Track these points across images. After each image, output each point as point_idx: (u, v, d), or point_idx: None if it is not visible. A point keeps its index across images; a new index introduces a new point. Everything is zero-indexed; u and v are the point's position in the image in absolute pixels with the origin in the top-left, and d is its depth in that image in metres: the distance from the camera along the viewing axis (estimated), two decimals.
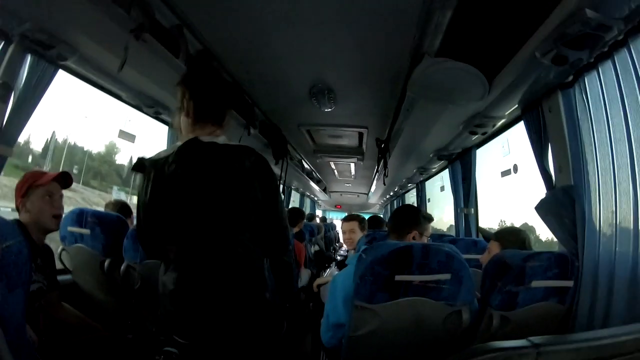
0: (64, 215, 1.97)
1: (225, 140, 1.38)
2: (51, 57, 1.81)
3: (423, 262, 1.46)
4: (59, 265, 2.27)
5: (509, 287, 1.54)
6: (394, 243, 1.53)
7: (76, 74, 2.19)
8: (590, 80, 1.63)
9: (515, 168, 2.69)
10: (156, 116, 2.85)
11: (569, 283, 1.61)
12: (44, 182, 1.72)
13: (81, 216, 2.13)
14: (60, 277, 2.30)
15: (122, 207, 2.64)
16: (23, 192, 1.69)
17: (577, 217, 1.70)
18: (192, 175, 1.28)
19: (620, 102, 1.45)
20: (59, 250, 2.22)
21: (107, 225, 2.12)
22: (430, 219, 3.96)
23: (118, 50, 1.75)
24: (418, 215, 2.00)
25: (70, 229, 2.15)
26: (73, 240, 2.17)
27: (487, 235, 2.27)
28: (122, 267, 2.01)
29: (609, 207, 1.53)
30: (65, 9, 1.59)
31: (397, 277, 1.44)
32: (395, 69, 2.56)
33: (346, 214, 3.85)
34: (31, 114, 1.82)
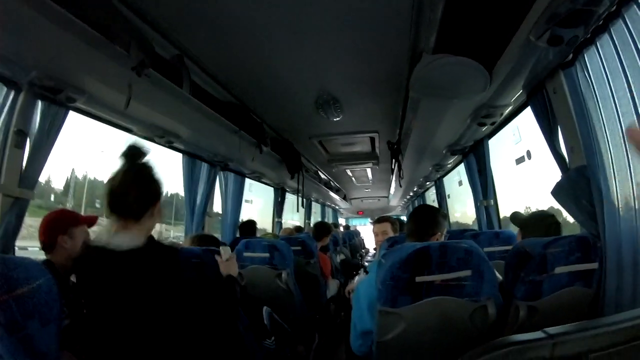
0: None
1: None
2: (60, 100, 1.87)
3: (442, 261, 1.45)
4: None
5: (532, 276, 1.51)
6: (411, 245, 1.52)
7: (86, 113, 2.25)
8: (590, 57, 1.60)
9: (529, 154, 2.65)
10: (169, 145, 2.91)
11: (594, 265, 1.58)
12: (86, 220, 1.81)
13: None
14: None
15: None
16: (63, 230, 1.71)
17: (595, 197, 1.66)
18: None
19: (622, 75, 1.43)
20: None
21: None
22: (445, 216, 3.95)
23: (123, 87, 1.82)
24: (438, 216, 1.98)
25: None
26: None
27: (519, 220, 2.19)
28: None
29: (626, 182, 1.50)
30: (68, 54, 1.65)
31: (418, 279, 1.44)
32: (396, 70, 2.58)
33: (368, 220, 3.84)
34: (47, 156, 1.89)
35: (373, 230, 3.40)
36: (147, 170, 1.32)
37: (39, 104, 1.84)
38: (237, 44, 2.22)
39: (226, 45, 2.23)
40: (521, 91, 2.17)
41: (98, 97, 2.02)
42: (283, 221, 6.03)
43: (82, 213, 1.90)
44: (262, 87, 2.87)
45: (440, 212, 2.04)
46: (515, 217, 2.21)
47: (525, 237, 2.02)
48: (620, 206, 1.54)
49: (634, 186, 1.46)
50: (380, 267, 1.53)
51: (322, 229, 4.58)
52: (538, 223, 2.02)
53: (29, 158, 1.81)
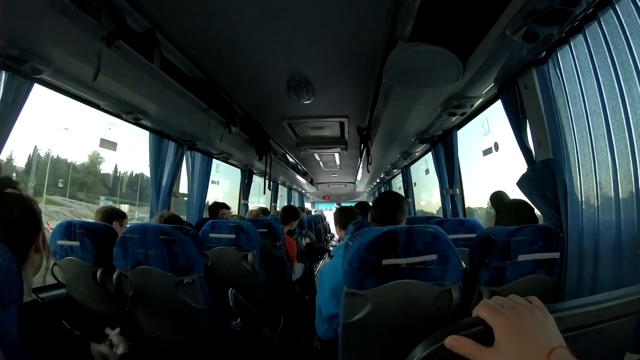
0: (52, 230, 1.94)
1: None
2: (25, 71, 1.79)
3: (408, 245, 1.45)
4: (51, 280, 2.25)
5: (495, 262, 1.55)
6: (379, 229, 1.54)
7: (52, 86, 2.16)
8: (562, 55, 1.66)
9: (497, 146, 2.71)
10: (136, 122, 2.82)
11: (556, 255, 1.63)
12: None
13: (69, 228, 2.09)
14: (54, 292, 2.29)
15: (111, 213, 2.63)
16: None
17: (559, 189, 1.73)
18: None
19: (593, 75, 1.48)
20: (51, 265, 2.19)
21: (96, 235, 2.09)
22: (409, 203, 4.04)
23: (92, 59, 1.73)
24: (404, 203, 2.01)
25: (59, 242, 2.12)
26: (64, 254, 2.14)
27: (498, 202, 2.17)
28: (114, 276, 1.99)
29: (589, 177, 1.56)
30: (35, 22, 1.56)
31: (384, 262, 1.44)
32: (370, 56, 2.57)
33: (335, 205, 3.86)
34: (10, 130, 1.81)
35: (334, 221, 3.45)
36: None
37: (3, 75, 1.76)
38: (210, 20, 2.15)
39: (199, 21, 2.16)
40: (492, 84, 2.20)
41: (65, 69, 1.94)
42: (249, 203, 5.99)
43: (44, 193, 1.82)
44: (234, 65, 2.81)
45: (405, 200, 2.06)
46: (497, 197, 2.21)
47: (498, 222, 2.07)
48: (583, 199, 1.61)
49: (598, 180, 1.52)
50: (348, 249, 1.53)
51: (290, 212, 4.56)
52: (514, 212, 2.07)
53: None
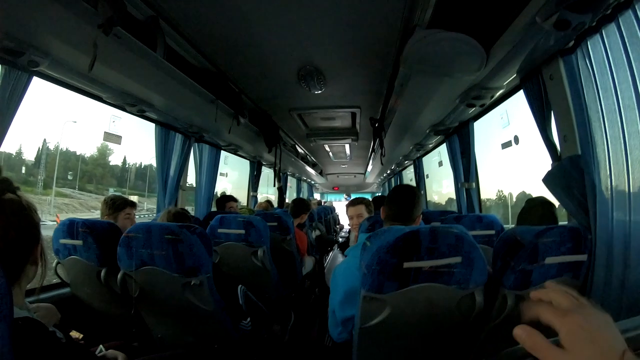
0: (55, 228, 1.89)
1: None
2: (22, 64, 1.74)
3: (432, 247, 1.37)
4: (55, 279, 2.20)
5: (522, 265, 1.46)
6: (399, 228, 1.45)
7: (51, 79, 2.10)
8: (593, 45, 1.55)
9: (517, 139, 2.61)
10: (141, 114, 2.75)
11: (583, 257, 1.55)
12: None
13: (72, 227, 2.04)
14: (58, 291, 2.25)
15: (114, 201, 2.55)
16: None
17: (587, 188, 1.63)
18: None
19: (627, 67, 1.38)
20: (54, 263, 2.16)
21: (99, 233, 2.03)
22: (422, 197, 3.97)
23: (89, 49, 1.65)
24: (419, 198, 1.91)
25: (62, 241, 2.07)
26: (67, 253, 2.09)
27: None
28: (119, 276, 1.93)
29: (621, 176, 1.47)
30: (29, 12, 1.50)
31: (406, 265, 1.36)
32: (385, 44, 2.47)
33: (344, 196, 3.78)
34: (9, 124, 1.77)
35: (347, 214, 3.34)
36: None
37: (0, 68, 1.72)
38: (216, 7, 2.07)
39: (205, 8, 2.08)
40: (514, 75, 2.10)
41: (63, 60, 1.88)
42: (258, 195, 5.94)
43: (54, 185, 1.77)
44: (242, 54, 2.73)
45: (420, 194, 1.97)
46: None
47: (519, 221, 2.01)
48: (613, 199, 1.52)
49: (630, 180, 1.43)
50: (366, 250, 1.46)
51: (301, 205, 4.48)
52: (534, 210, 2.01)
53: None
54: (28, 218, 0.92)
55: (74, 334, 1.76)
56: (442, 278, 1.40)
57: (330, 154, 7.65)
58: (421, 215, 1.91)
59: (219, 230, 2.76)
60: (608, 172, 1.53)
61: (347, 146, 6.71)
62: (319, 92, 3.45)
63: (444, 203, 6.66)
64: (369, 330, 1.47)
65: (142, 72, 2.13)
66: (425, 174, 5.59)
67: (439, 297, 1.42)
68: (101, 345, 1.56)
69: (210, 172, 4.19)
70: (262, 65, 2.94)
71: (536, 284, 1.50)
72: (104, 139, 2.77)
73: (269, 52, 2.69)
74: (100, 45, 1.62)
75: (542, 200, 2.06)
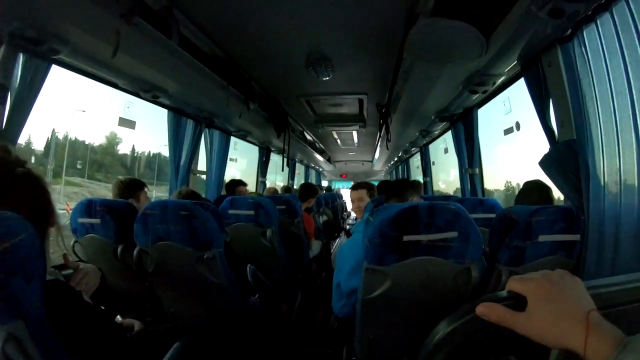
0: (72, 208, 1.98)
1: None
2: (43, 52, 1.78)
3: (430, 222, 1.46)
4: (73, 258, 2.30)
5: (516, 242, 1.54)
6: (400, 204, 1.54)
7: (70, 67, 2.16)
8: (589, 34, 1.60)
9: (518, 125, 2.66)
10: (154, 100, 2.83)
11: (576, 237, 1.61)
12: None
13: (90, 206, 2.14)
14: None
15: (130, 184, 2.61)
16: None
17: (581, 171, 1.69)
18: None
19: (620, 55, 1.43)
20: (72, 243, 2.24)
21: (116, 212, 2.13)
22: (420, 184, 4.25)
23: (109, 37, 1.73)
24: (415, 185, 2.05)
25: (80, 220, 2.16)
26: (84, 231, 2.18)
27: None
28: (135, 252, 2.03)
29: (613, 160, 1.53)
30: (51, 2, 1.55)
31: (405, 238, 1.45)
32: (390, 32, 2.52)
33: (352, 183, 3.85)
34: (29, 112, 1.82)
35: (350, 197, 3.43)
36: None
37: (21, 57, 1.76)
38: None
39: None
40: (515, 62, 2.15)
41: (83, 48, 1.93)
42: (267, 181, 6.02)
43: (64, 175, 1.85)
44: (252, 42, 2.79)
45: (416, 183, 2.13)
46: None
47: (517, 202, 2.08)
48: (605, 182, 1.58)
49: (621, 163, 1.48)
50: (369, 224, 1.54)
51: (309, 190, 4.58)
52: (529, 192, 2.08)
53: (9, 114, 1.74)
54: (44, 187, 1.01)
55: None
56: (439, 252, 1.48)
57: (338, 140, 7.68)
58: (417, 197, 2.04)
59: (230, 212, 2.86)
60: (601, 156, 1.58)
61: (354, 133, 6.74)
62: (327, 78, 3.49)
63: (451, 193, 6.67)
64: (371, 301, 1.55)
65: (158, 59, 2.21)
66: (431, 161, 5.64)
67: (437, 270, 1.49)
68: (118, 315, 1.66)
69: (220, 157, 4.28)
70: (272, 52, 3.00)
71: (530, 261, 1.57)
72: (119, 124, 2.84)
73: (278, 39, 2.75)
74: (121, 33, 1.71)
75: (538, 183, 2.14)
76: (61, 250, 1.17)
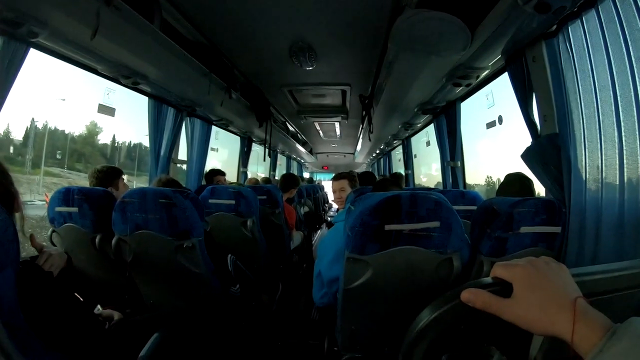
0: (50, 196, 1.92)
1: None
2: (21, 35, 1.73)
3: (411, 211, 1.44)
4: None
5: (497, 233, 1.53)
6: (381, 193, 1.52)
7: (49, 51, 2.10)
8: (574, 30, 1.62)
9: (500, 119, 2.69)
10: (135, 87, 2.76)
11: (557, 229, 1.63)
12: None
13: (67, 194, 2.07)
14: None
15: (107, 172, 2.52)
16: None
17: (563, 164, 1.72)
18: None
19: (604, 51, 1.45)
20: (49, 232, 2.18)
21: (94, 200, 2.07)
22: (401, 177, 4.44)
23: (89, 20, 1.68)
24: (397, 179, 2.05)
25: (58, 209, 2.10)
26: (62, 221, 2.12)
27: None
28: (113, 242, 1.98)
29: (595, 153, 1.55)
30: None
31: (387, 227, 1.43)
32: (375, 22, 2.52)
33: (333, 175, 3.84)
34: (6, 96, 1.77)
35: (332, 188, 3.42)
36: None
37: None
38: None
39: None
40: (499, 56, 2.16)
41: (62, 31, 1.87)
42: (248, 172, 5.98)
43: (43, 165, 1.79)
44: (235, 29, 2.75)
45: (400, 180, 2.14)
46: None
47: (498, 194, 2.09)
48: (587, 176, 1.60)
49: (603, 157, 1.50)
50: (350, 213, 1.52)
51: (290, 180, 4.55)
52: (511, 184, 2.10)
53: None
54: (5, 171, 1.02)
55: None
56: (421, 241, 1.47)
57: (321, 132, 7.66)
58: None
59: (210, 201, 2.82)
60: (583, 150, 1.61)
61: (337, 125, 6.73)
62: (310, 68, 3.48)
63: (432, 186, 6.74)
64: (352, 291, 1.53)
65: (138, 44, 2.15)
66: (413, 154, 5.67)
67: (419, 260, 1.48)
68: (98, 305, 1.63)
69: (201, 147, 4.21)
70: (255, 40, 2.96)
71: (511, 252, 1.57)
72: (98, 111, 2.77)
73: (262, 27, 2.71)
74: (101, 15, 1.65)
75: (519, 175, 2.16)
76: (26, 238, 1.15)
